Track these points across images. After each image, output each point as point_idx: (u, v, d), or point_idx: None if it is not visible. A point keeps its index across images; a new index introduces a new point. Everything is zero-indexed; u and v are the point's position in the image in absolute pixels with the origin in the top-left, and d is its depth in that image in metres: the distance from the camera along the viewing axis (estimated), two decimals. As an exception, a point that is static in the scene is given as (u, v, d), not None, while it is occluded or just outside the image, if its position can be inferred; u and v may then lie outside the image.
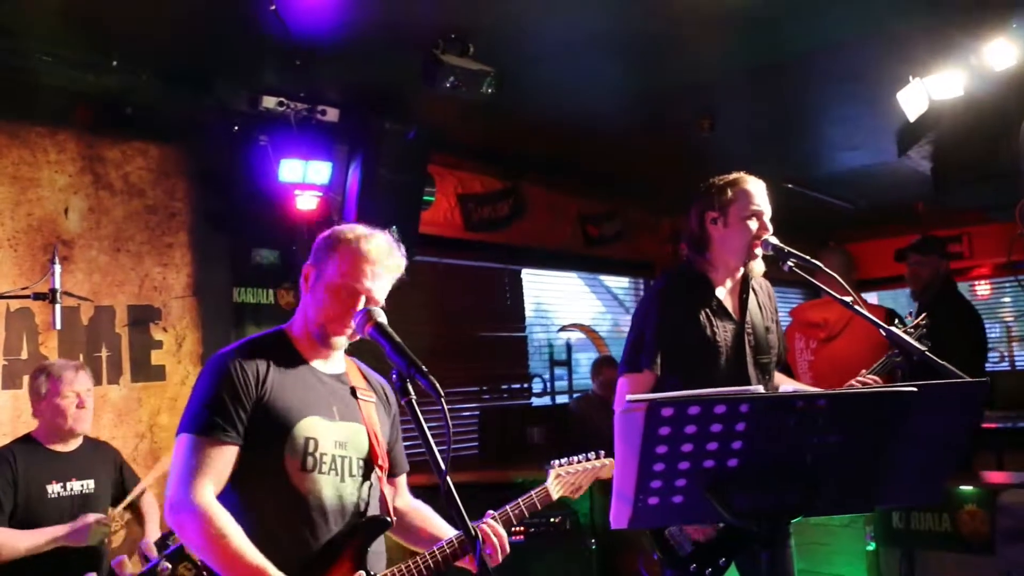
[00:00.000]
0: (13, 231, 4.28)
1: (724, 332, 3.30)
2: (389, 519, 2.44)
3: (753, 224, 3.29)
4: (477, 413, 6.29)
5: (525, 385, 7.00)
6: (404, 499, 2.71)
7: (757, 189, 3.36)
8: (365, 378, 2.60)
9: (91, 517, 3.64)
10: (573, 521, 4.81)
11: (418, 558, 2.44)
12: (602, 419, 6.19)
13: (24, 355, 4.26)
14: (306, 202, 4.92)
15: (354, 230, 2.43)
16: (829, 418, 2.03)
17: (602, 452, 2.95)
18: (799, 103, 5.67)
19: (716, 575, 3.18)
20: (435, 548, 2.46)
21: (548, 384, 7.21)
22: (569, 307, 7.77)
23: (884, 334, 2.94)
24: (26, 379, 4.18)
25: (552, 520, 4.72)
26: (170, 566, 1.58)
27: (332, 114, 4.99)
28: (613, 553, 4.94)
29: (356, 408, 2.47)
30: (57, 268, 3.26)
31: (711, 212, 3.38)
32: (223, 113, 4.86)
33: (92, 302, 4.48)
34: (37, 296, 3.26)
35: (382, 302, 2.39)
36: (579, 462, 2.91)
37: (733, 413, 1.98)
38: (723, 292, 3.36)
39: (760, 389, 2.05)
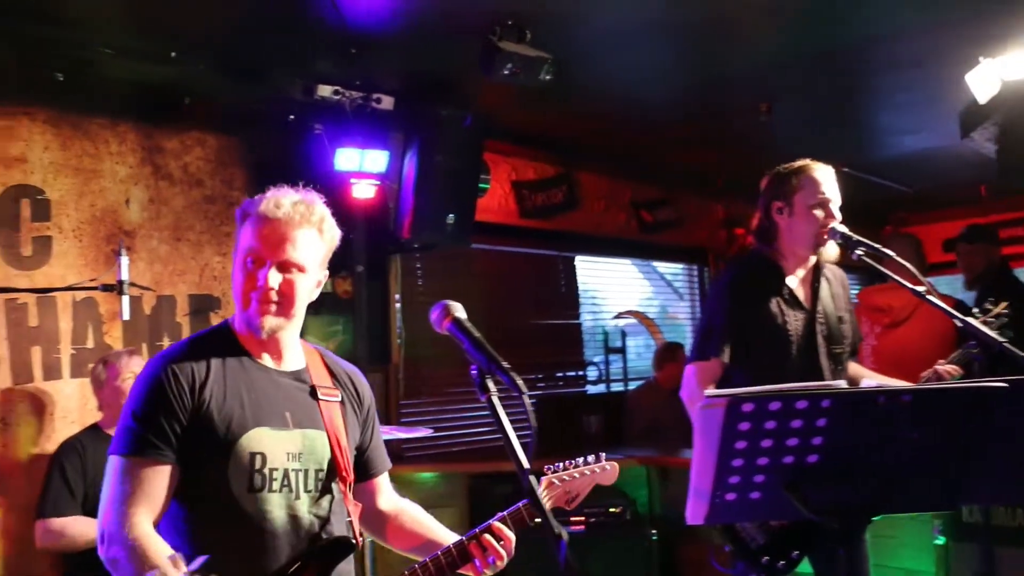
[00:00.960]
0: (78, 222, 4.33)
1: (795, 321, 3.24)
2: (354, 541, 2.20)
3: (819, 213, 3.23)
4: (533, 401, 6.24)
5: (580, 373, 6.96)
6: (388, 499, 2.46)
7: (824, 176, 3.29)
8: (330, 372, 2.32)
9: None
10: (632, 511, 4.77)
11: (411, 569, 2.23)
12: (663, 409, 6.18)
13: (90, 344, 4.32)
14: (363, 191, 4.92)
15: (254, 203, 2.18)
16: (913, 414, 1.98)
17: (603, 455, 2.60)
18: (859, 88, 5.54)
19: (788, 568, 3.13)
20: (428, 559, 2.23)
21: (602, 371, 7.16)
22: (622, 294, 7.71)
23: (960, 325, 2.86)
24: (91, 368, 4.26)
25: (612, 510, 4.69)
26: None
27: (387, 102, 4.96)
28: (674, 544, 4.90)
29: (316, 411, 2.20)
30: (124, 260, 3.29)
31: (777, 202, 3.33)
32: (279, 102, 4.88)
33: (154, 292, 4.53)
34: (105, 288, 3.30)
35: (304, 263, 2.14)
36: (575, 467, 2.55)
37: (814, 409, 1.94)
38: (795, 281, 3.31)
39: (841, 383, 2.00)
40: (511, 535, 2.27)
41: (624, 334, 7.36)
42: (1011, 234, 8.67)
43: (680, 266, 8.16)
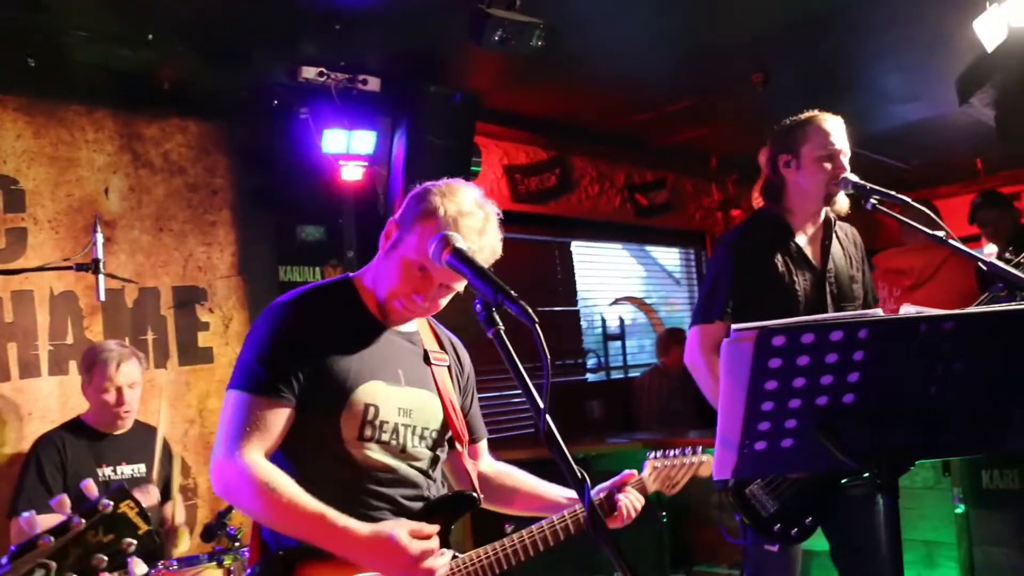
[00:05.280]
0: (54, 212, 4.16)
1: (804, 281, 3.10)
2: (476, 495, 2.24)
3: (828, 164, 3.08)
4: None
5: (579, 361, 6.79)
6: (486, 463, 2.51)
7: (832, 127, 3.15)
8: (437, 338, 2.38)
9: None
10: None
11: (535, 527, 2.26)
12: (673, 393, 6.05)
13: (69, 340, 4.15)
14: (351, 172, 4.77)
15: (448, 198, 2.09)
16: (956, 343, 1.82)
17: (699, 448, 2.75)
18: (855, 52, 5.40)
19: (802, 536, 2.98)
20: (562, 513, 2.27)
21: (602, 360, 7.00)
22: (620, 280, 7.56)
23: (985, 268, 2.70)
24: (72, 364, 4.10)
25: (620, 494, 4.52)
26: (111, 503, 1.49)
27: (373, 83, 4.82)
28: (684, 527, 4.74)
29: (428, 375, 2.25)
30: (99, 237, 3.09)
31: (784, 155, 3.18)
32: (262, 86, 4.74)
33: (136, 284, 4.36)
34: (80, 267, 3.10)
35: (460, 289, 2.15)
36: (675, 456, 2.70)
37: (851, 340, 1.77)
38: (803, 239, 3.15)
39: (878, 311, 1.83)
40: (638, 504, 2.46)
41: (622, 321, 7.21)
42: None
43: (677, 250, 8.02)
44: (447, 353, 2.35)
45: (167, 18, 4.11)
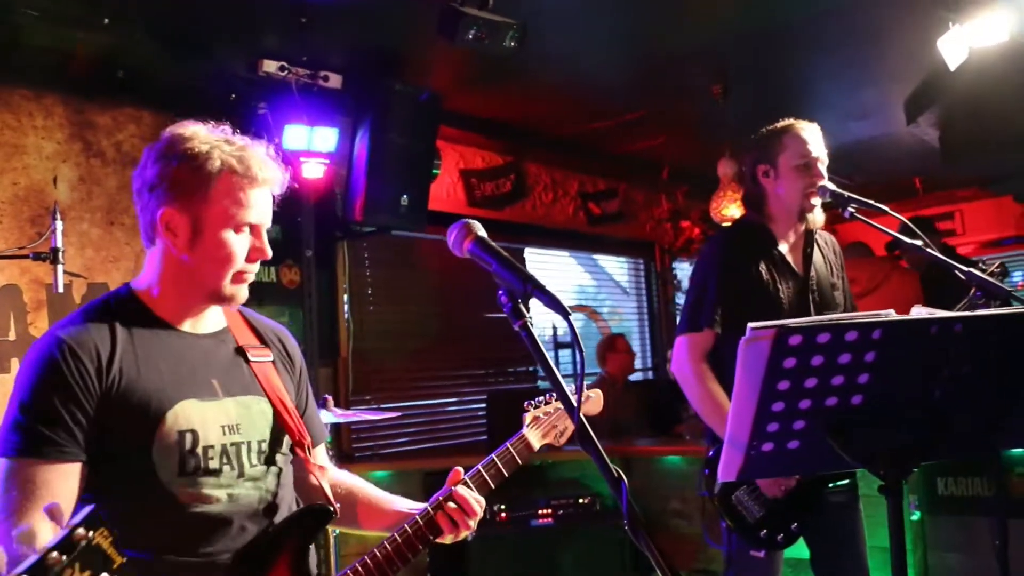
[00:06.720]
0: (-2, 201, 3.97)
1: (787, 288, 3.11)
2: (331, 508, 1.96)
3: (806, 173, 3.11)
4: (485, 396, 6.06)
5: (531, 368, 6.77)
6: (328, 473, 2.16)
7: (809, 135, 3.17)
8: (254, 331, 2.04)
9: None
10: (602, 503, 4.58)
11: (377, 547, 1.98)
12: (619, 402, 6.05)
13: (12, 336, 3.95)
14: (312, 170, 4.64)
15: (208, 144, 1.82)
16: (963, 346, 1.83)
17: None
18: (812, 68, 5.50)
19: (788, 541, 2.98)
20: (396, 533, 1.99)
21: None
22: (571, 288, 7.56)
23: (964, 277, 2.75)
24: (14, 362, 3.90)
25: (580, 501, 4.49)
26: (89, 532, 1.22)
27: (335, 80, 4.71)
28: (647, 534, 4.72)
29: (249, 376, 1.94)
30: (58, 225, 2.94)
31: (762, 165, 3.19)
32: (220, 78, 4.59)
33: (85, 279, 4.18)
34: (36, 256, 2.94)
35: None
36: (557, 400, 2.38)
37: (864, 341, 1.77)
38: (786, 247, 3.17)
39: (890, 312, 1.84)
40: (470, 497, 2.07)
41: (574, 329, 7.19)
42: (944, 227, 8.85)
43: (625, 259, 8.04)
44: (270, 347, 2.04)
45: (125, 1, 3.96)
